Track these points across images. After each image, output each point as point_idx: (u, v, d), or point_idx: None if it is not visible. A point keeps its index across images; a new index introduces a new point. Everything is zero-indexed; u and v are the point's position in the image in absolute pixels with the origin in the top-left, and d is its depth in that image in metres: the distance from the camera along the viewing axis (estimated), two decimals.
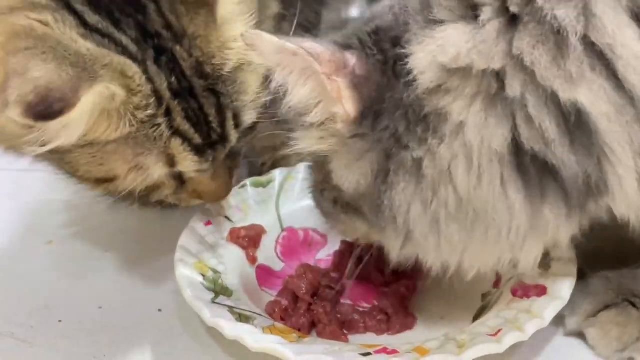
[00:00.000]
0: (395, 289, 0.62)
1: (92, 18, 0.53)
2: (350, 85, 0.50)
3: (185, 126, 0.56)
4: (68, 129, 0.51)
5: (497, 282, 0.61)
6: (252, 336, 0.53)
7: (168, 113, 0.55)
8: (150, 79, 0.54)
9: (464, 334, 0.55)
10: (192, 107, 0.56)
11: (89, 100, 0.51)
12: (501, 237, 0.50)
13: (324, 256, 0.67)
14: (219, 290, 0.58)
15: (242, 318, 0.56)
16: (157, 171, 0.56)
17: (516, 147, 0.48)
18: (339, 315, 0.60)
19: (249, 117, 0.58)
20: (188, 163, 0.57)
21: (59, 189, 0.70)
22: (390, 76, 0.50)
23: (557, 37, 0.46)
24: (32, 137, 0.51)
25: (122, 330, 0.61)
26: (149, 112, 0.54)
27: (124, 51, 0.53)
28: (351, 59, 0.50)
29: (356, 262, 0.63)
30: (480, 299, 0.61)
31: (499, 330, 0.54)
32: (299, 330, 0.58)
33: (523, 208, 0.49)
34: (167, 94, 0.54)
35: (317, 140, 0.53)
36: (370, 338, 0.59)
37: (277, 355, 0.52)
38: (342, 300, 0.62)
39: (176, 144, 0.56)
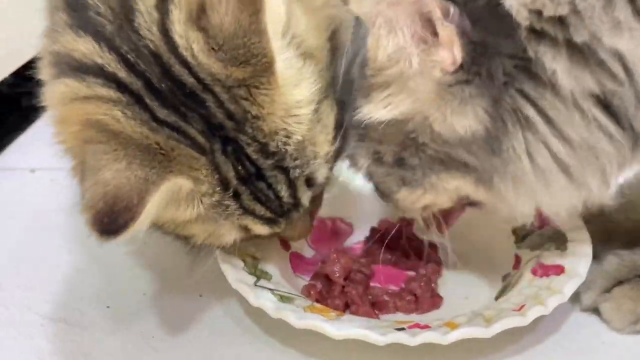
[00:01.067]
0: (422, 272, 0.66)
1: (162, 112, 0.54)
2: (459, 31, 0.50)
3: (255, 206, 0.57)
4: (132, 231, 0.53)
5: (516, 264, 0.65)
6: (296, 314, 0.57)
7: (236, 196, 0.56)
8: (217, 169, 0.55)
9: (489, 309, 0.59)
10: (260, 188, 0.57)
11: (155, 201, 0.53)
12: (604, 175, 0.53)
13: (351, 244, 0.71)
14: (259, 274, 0.62)
15: (284, 299, 0.60)
16: (232, 236, 0.58)
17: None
18: (370, 297, 0.64)
19: (322, 174, 0.59)
20: (261, 230, 0.59)
21: None
22: (492, 22, 0.50)
23: None
24: None
25: (166, 315, 0.65)
26: (216, 198, 0.55)
27: (192, 144, 0.54)
28: (453, 6, 0.50)
29: (385, 248, 0.67)
30: (500, 280, 0.66)
31: (523, 306, 0.58)
32: (334, 310, 0.62)
33: (624, 143, 0.52)
34: (234, 181, 0.55)
35: (403, 97, 0.53)
36: (400, 317, 0.63)
37: (320, 330, 0.56)
38: (372, 284, 0.66)
39: (247, 220, 0.57)
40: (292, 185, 0.57)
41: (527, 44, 0.50)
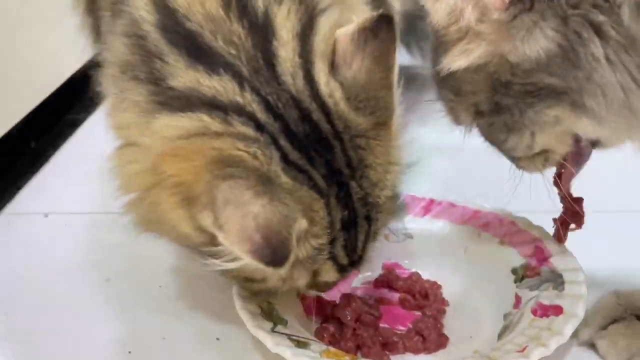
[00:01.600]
0: (428, 313, 0.69)
1: (293, 154, 0.57)
2: None
3: (341, 253, 0.60)
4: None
5: (517, 304, 0.69)
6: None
7: (333, 242, 0.59)
8: (330, 212, 0.58)
9: (495, 351, 0.62)
10: (350, 236, 0.60)
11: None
12: None
13: (358, 284, 0.74)
14: (275, 320, 0.65)
15: (300, 344, 0.62)
16: (303, 281, 0.61)
17: None
18: (380, 338, 0.67)
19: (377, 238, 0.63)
20: (329, 277, 0.62)
21: (111, 229, 0.78)
22: None
23: None
24: (213, 249, 0.56)
25: (184, 358, 0.68)
26: (320, 241, 0.58)
27: (314, 186, 0.57)
28: None
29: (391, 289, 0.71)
30: (502, 318, 0.69)
31: (525, 347, 0.62)
32: (347, 352, 0.65)
33: None
34: (337, 226, 0.59)
35: (476, 43, 0.57)
36: (409, 357, 0.66)
37: None
38: (381, 325, 0.69)
39: (327, 265, 0.60)
40: (368, 238, 0.61)
41: None
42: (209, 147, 0.56)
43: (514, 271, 0.71)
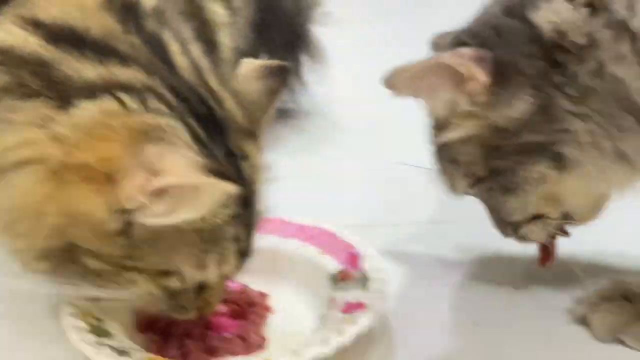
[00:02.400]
0: (251, 318, 0.75)
1: (199, 131, 0.64)
2: (477, 62, 0.69)
3: (242, 233, 0.66)
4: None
5: (331, 306, 0.75)
6: None
7: (236, 217, 0.64)
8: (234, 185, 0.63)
9: (301, 345, 0.68)
10: (247, 216, 0.66)
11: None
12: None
13: None
14: (100, 333, 0.69)
15: (123, 353, 0.67)
16: (211, 272, 0.65)
17: None
18: (203, 345, 0.71)
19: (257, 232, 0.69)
20: (230, 267, 0.66)
21: None
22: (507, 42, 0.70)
23: None
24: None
25: None
26: (229, 211, 0.63)
27: (218, 161, 0.63)
28: (465, 49, 0.70)
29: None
30: (319, 320, 0.75)
31: (329, 338, 0.68)
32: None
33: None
34: (239, 201, 0.64)
35: (469, 122, 0.71)
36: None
37: None
38: (208, 334, 0.74)
39: (232, 247, 0.65)
40: (256, 225, 0.67)
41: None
42: (130, 122, 0.61)
43: (332, 277, 0.78)
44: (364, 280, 0.76)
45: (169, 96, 0.64)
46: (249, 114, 0.69)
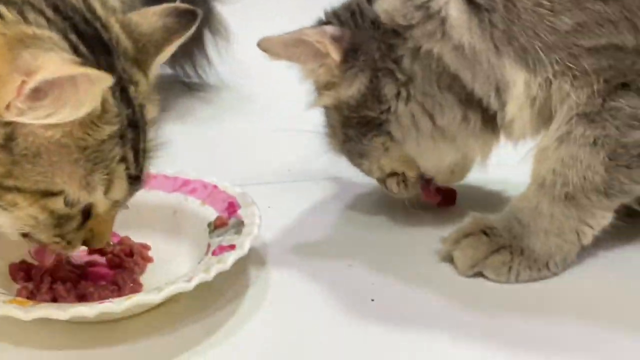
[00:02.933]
0: (127, 266, 0.76)
1: (81, 47, 0.62)
2: (331, 41, 0.76)
3: (130, 155, 0.65)
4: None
5: (207, 251, 0.76)
6: None
7: (122, 138, 0.63)
8: (117, 105, 0.63)
9: (167, 283, 0.69)
10: (135, 139, 0.65)
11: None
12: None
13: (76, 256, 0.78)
14: None
15: None
16: (98, 194, 0.64)
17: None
18: (76, 291, 0.72)
19: (148, 167, 0.68)
20: (120, 192, 0.65)
21: None
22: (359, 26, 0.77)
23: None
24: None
25: None
26: (114, 128, 0.62)
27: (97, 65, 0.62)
28: (328, 27, 0.77)
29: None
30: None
31: (193, 276, 0.69)
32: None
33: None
34: (125, 122, 0.63)
35: (329, 95, 0.79)
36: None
37: (11, 314, 0.65)
38: (83, 282, 0.74)
39: (121, 168, 0.64)
40: (144, 152, 0.66)
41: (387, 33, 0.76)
42: (7, 31, 0.58)
43: (209, 225, 0.79)
44: (239, 226, 0.77)
45: (49, 12, 0.62)
46: (140, 45, 0.67)
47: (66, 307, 0.66)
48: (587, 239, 0.74)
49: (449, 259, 0.77)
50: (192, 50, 1.23)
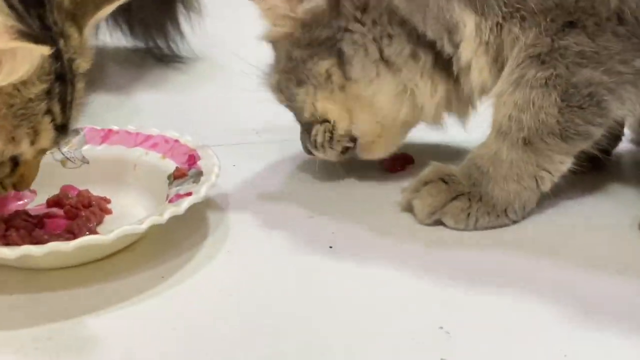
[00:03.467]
0: (82, 214, 0.74)
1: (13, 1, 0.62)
2: None
3: (56, 107, 0.64)
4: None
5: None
6: None
7: (49, 92, 0.63)
8: (46, 59, 0.62)
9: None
10: (62, 92, 0.65)
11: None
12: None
13: (33, 207, 0.78)
14: None
15: None
16: (24, 146, 0.64)
17: None
18: (31, 239, 0.71)
19: (77, 116, 0.68)
20: (46, 141, 0.65)
21: None
22: None
23: None
24: None
25: None
26: (43, 87, 0.62)
27: (32, 33, 0.60)
28: None
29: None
30: None
31: (145, 219, 0.68)
32: None
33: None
34: (54, 75, 0.63)
35: (284, 25, 0.79)
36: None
37: None
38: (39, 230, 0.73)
39: (46, 120, 0.64)
40: (71, 103, 0.66)
41: None
42: None
43: (169, 177, 0.78)
44: (198, 176, 0.76)
45: None
46: (79, 0, 0.67)
47: (15, 248, 0.65)
48: (546, 186, 0.73)
49: (409, 208, 0.76)
50: (165, 23, 1.22)
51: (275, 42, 0.81)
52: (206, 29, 1.19)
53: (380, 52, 0.76)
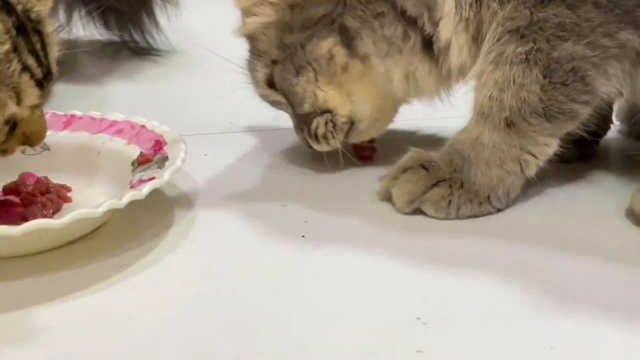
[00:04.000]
0: (39, 200, 0.70)
1: None
2: None
3: (30, 60, 0.61)
4: None
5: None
6: None
7: (16, 49, 0.60)
8: (1, 20, 0.59)
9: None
10: (29, 42, 0.61)
11: None
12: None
13: None
14: None
15: None
16: (12, 107, 0.61)
17: None
18: None
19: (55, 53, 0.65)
20: (33, 97, 0.62)
21: None
22: None
23: None
24: None
25: None
26: (6, 47, 0.59)
27: None
28: None
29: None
30: None
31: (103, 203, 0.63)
32: None
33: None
34: (13, 31, 0.60)
35: (267, 12, 0.73)
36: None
37: None
38: None
39: (25, 78, 0.61)
40: (45, 49, 0.62)
41: None
42: None
43: (132, 163, 0.73)
44: (162, 161, 0.71)
45: None
46: None
47: None
48: (531, 170, 0.68)
49: (388, 196, 0.71)
50: (141, 15, 1.19)
51: (255, 34, 0.76)
52: (184, 21, 1.16)
53: (382, 28, 0.71)
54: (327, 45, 0.72)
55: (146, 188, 0.65)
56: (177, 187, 0.75)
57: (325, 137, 0.75)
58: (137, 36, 1.17)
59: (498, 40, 0.65)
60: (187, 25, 1.17)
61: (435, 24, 0.69)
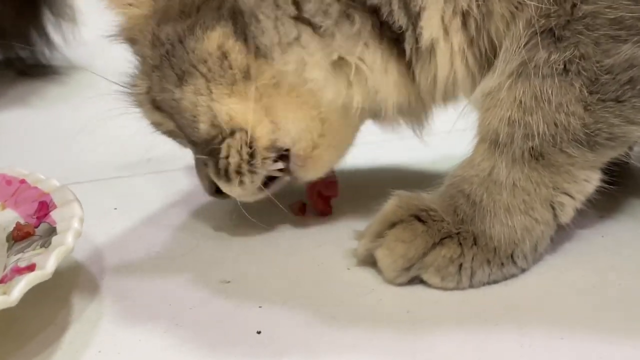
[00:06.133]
0: None
1: None
2: None
3: None
4: None
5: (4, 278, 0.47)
6: None
7: None
8: None
9: None
10: None
11: None
12: None
13: None
14: None
15: None
16: None
17: None
18: None
19: None
20: None
21: None
22: None
23: None
24: None
25: None
26: None
27: None
28: None
29: None
30: None
31: None
32: None
33: None
34: None
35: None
36: None
37: None
38: None
39: None
40: None
41: None
42: None
43: (8, 237, 0.49)
44: (49, 234, 0.48)
45: None
46: None
47: None
48: (567, 215, 0.48)
49: (371, 260, 0.50)
50: (28, 32, 0.99)
51: (134, 35, 0.52)
52: (85, 38, 0.98)
53: (297, 5, 0.48)
54: (216, 38, 0.49)
55: (18, 289, 0.41)
56: (77, 263, 0.52)
57: (239, 171, 0.50)
58: (24, 54, 1.00)
59: (525, 45, 0.44)
60: (91, 41, 0.94)
61: (412, 17, 0.47)
